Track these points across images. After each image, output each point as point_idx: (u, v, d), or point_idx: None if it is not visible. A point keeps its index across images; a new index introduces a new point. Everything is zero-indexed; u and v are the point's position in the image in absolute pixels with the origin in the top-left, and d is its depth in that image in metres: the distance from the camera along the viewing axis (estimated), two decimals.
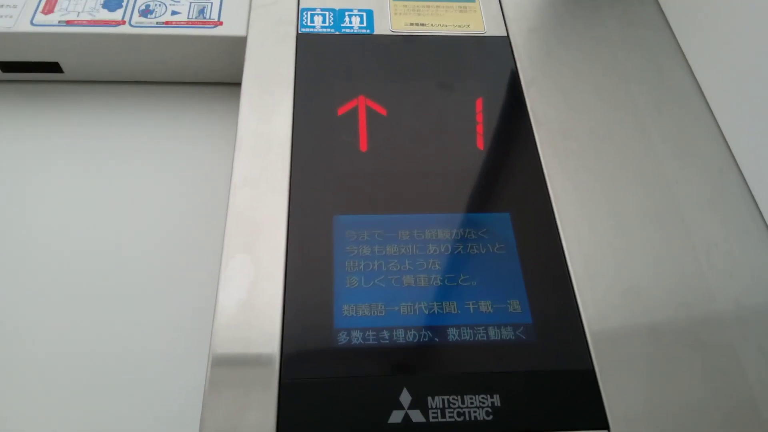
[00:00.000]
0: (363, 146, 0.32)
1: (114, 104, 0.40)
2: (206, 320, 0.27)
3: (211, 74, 0.41)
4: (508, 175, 0.32)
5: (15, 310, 0.33)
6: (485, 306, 0.27)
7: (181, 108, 0.41)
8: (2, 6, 0.39)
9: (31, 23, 0.38)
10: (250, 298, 0.26)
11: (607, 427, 0.24)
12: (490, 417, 0.24)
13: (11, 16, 0.38)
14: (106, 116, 0.40)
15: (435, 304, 0.27)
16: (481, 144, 0.33)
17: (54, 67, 0.40)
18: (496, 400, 0.24)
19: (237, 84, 0.35)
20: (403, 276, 0.27)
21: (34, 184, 0.37)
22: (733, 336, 0.27)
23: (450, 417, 0.24)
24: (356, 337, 0.25)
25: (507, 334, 0.26)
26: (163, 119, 0.40)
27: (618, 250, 0.29)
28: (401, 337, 0.26)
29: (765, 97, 0.31)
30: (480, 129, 0.34)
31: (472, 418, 0.24)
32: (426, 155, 0.32)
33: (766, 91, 0.31)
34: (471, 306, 0.27)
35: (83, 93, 0.41)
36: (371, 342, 0.25)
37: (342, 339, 0.25)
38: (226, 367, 0.25)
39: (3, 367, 0.31)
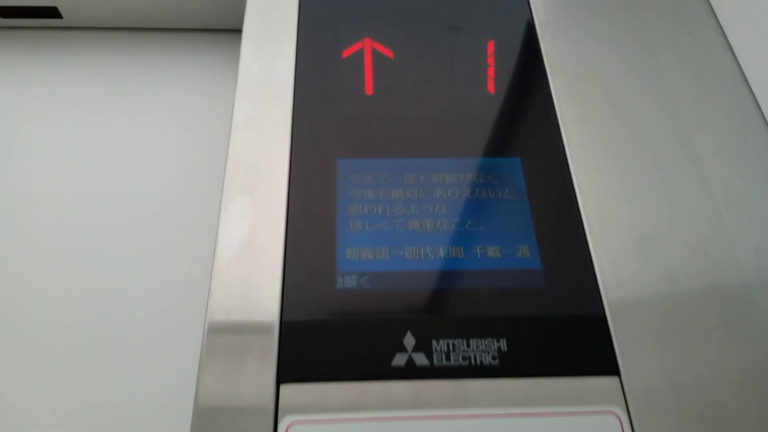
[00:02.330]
0: (368, 89, 0.31)
1: (113, 50, 0.39)
2: (206, 269, 0.26)
3: (213, 19, 0.39)
4: (519, 120, 0.31)
5: (9, 270, 0.32)
6: (493, 251, 0.26)
7: (181, 54, 0.39)
8: None
9: None
10: (250, 241, 0.26)
11: (617, 373, 0.23)
12: (496, 361, 0.23)
13: None
14: (105, 62, 0.39)
15: (441, 248, 0.26)
16: (492, 87, 0.32)
17: (53, 12, 0.39)
18: (503, 344, 0.23)
19: (239, 31, 0.34)
20: (408, 220, 0.27)
21: (31, 130, 0.36)
22: (751, 284, 0.25)
23: (455, 361, 0.23)
24: (359, 281, 0.25)
25: (515, 278, 0.25)
26: (163, 66, 0.39)
27: (633, 196, 0.28)
28: (405, 280, 0.25)
29: None
30: (491, 72, 0.32)
31: (478, 363, 0.23)
32: (434, 99, 0.31)
33: None
34: (478, 251, 0.26)
35: (82, 39, 0.40)
36: (375, 285, 0.25)
37: (345, 282, 0.25)
38: (227, 311, 0.24)
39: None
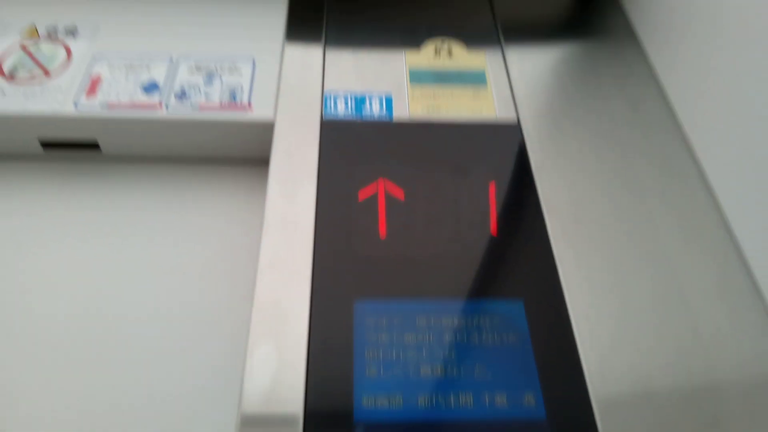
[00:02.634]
0: (382, 233, 0.34)
1: (147, 179, 0.43)
2: (228, 409, 0.28)
3: (241, 153, 0.43)
4: (520, 261, 0.33)
5: (31, 384, 0.34)
6: (500, 399, 0.28)
7: (210, 184, 0.43)
8: (49, 89, 0.42)
9: (75, 106, 0.41)
10: (273, 387, 0.28)
11: None
12: None
13: (57, 99, 0.41)
14: (139, 191, 0.42)
15: (451, 396, 0.28)
16: (494, 229, 0.35)
17: (92, 145, 0.43)
18: None
19: (264, 161, 0.38)
20: (420, 366, 0.29)
21: (68, 254, 0.39)
22: (740, 426, 0.27)
23: None
24: (374, 428, 0.27)
25: (520, 423, 0.27)
26: (193, 195, 0.42)
27: (627, 338, 0.30)
28: (419, 427, 0.27)
29: None
30: (493, 214, 0.36)
31: None
32: (442, 240, 0.34)
33: None
34: (487, 398, 0.28)
35: (118, 168, 0.44)
36: None
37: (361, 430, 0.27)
38: None
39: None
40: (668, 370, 0.29)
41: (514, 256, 0.34)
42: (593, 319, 0.31)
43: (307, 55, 0.44)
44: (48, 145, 0.43)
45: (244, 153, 0.43)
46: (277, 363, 0.28)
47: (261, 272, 0.32)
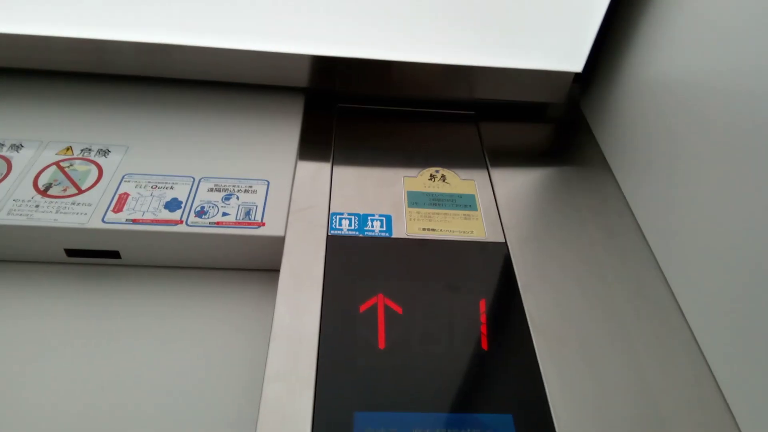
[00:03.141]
0: (381, 344, 0.37)
1: (163, 286, 0.46)
2: None
3: (252, 263, 0.47)
4: (509, 376, 0.36)
5: None
6: None
7: (223, 289, 0.46)
8: (79, 204, 0.46)
9: (102, 221, 0.45)
10: None
11: None
12: None
13: (86, 213, 0.45)
14: (155, 297, 0.45)
15: None
16: (485, 344, 0.38)
17: (113, 254, 0.46)
18: None
19: (274, 270, 0.41)
20: None
21: (87, 356, 0.41)
22: None
23: None
24: None
25: None
26: (206, 300, 0.45)
27: None
28: None
29: (736, 309, 0.36)
30: (484, 329, 0.39)
31: None
32: (437, 355, 0.37)
33: (738, 302, 0.36)
34: None
35: (135, 275, 0.47)
36: None
37: None
38: None
39: None
40: None
41: (504, 371, 0.36)
42: None
43: (317, 176, 0.49)
44: (72, 253, 0.46)
45: (255, 263, 0.47)
46: None
47: (267, 382, 0.34)
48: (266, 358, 0.36)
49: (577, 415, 0.34)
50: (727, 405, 0.35)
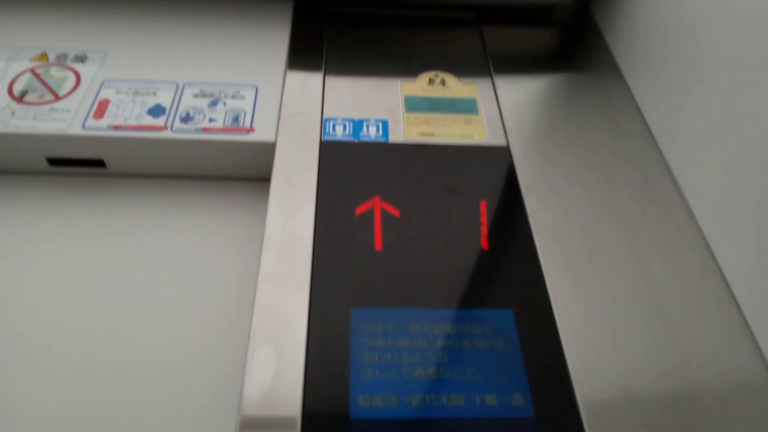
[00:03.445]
0: (378, 245, 0.36)
1: (151, 195, 0.44)
2: (230, 409, 0.29)
3: (242, 172, 0.45)
4: (510, 274, 0.35)
5: (45, 405, 0.34)
6: (491, 399, 0.29)
7: (212, 200, 0.44)
8: (58, 110, 0.44)
9: (83, 126, 0.42)
10: (273, 388, 0.29)
11: None
12: None
13: (65, 120, 0.43)
14: (142, 206, 0.44)
15: (444, 396, 0.29)
16: (485, 244, 0.36)
17: (98, 163, 0.44)
18: None
19: (265, 179, 0.39)
20: (414, 369, 0.30)
21: (70, 267, 0.40)
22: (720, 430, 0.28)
23: None
24: (371, 428, 0.27)
25: (511, 427, 0.28)
26: (195, 210, 0.44)
27: (612, 348, 0.32)
28: (413, 428, 0.28)
29: (746, 203, 0.35)
30: (484, 230, 0.37)
31: None
32: (435, 254, 0.36)
33: (747, 198, 0.35)
34: (477, 399, 0.29)
35: (122, 185, 0.45)
36: None
37: (357, 429, 0.27)
38: None
39: None
40: (650, 376, 0.30)
41: (504, 269, 0.35)
42: (579, 327, 0.32)
43: (308, 83, 0.47)
44: (55, 162, 0.44)
45: (245, 172, 0.45)
46: (276, 366, 0.29)
47: (261, 281, 0.33)
48: (259, 258, 0.34)
49: (578, 310, 0.33)
50: (734, 297, 0.34)
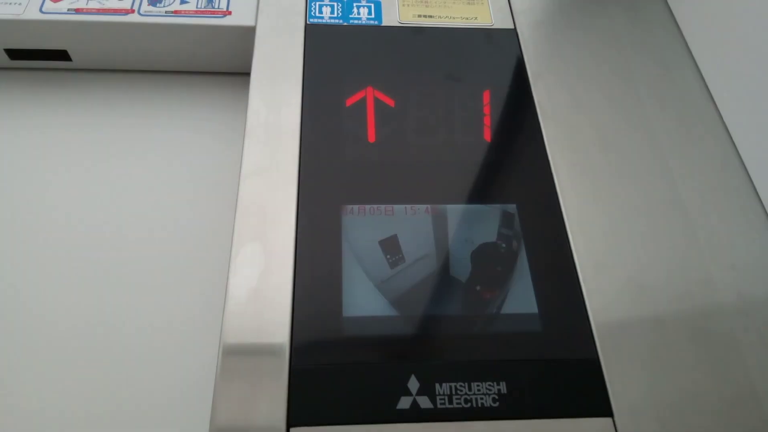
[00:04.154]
0: (371, 137, 0.33)
1: (122, 92, 0.41)
2: (216, 310, 0.28)
3: (220, 64, 0.41)
4: (515, 167, 0.32)
5: (22, 304, 0.33)
6: (490, 296, 0.27)
7: (189, 97, 0.41)
8: None
9: (40, 11, 0.38)
10: (260, 287, 0.27)
11: (611, 414, 0.24)
12: (497, 404, 0.24)
13: (20, 3, 0.38)
14: (114, 104, 0.40)
15: (442, 293, 0.27)
16: (488, 136, 0.33)
17: (62, 55, 0.40)
18: (503, 387, 0.25)
19: (246, 74, 0.36)
20: (413, 265, 0.28)
21: (40, 171, 0.37)
22: (734, 326, 0.27)
23: (457, 403, 0.24)
24: (365, 325, 0.26)
25: (513, 323, 0.26)
26: (171, 108, 0.40)
27: (622, 242, 0.29)
28: (409, 325, 0.26)
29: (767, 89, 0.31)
30: (487, 121, 0.34)
31: (479, 405, 0.24)
32: (433, 146, 0.33)
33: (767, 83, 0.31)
34: (478, 295, 0.27)
35: (91, 81, 0.41)
36: (380, 331, 0.26)
37: (351, 327, 0.26)
38: (237, 355, 0.25)
39: (14, 356, 0.31)
40: (663, 271, 0.28)
41: (509, 163, 0.33)
42: (588, 221, 0.30)
43: None
44: (16, 55, 0.40)
45: (223, 63, 0.41)
46: (264, 264, 0.27)
47: (244, 178, 0.31)
48: (241, 153, 0.31)
49: (588, 204, 0.31)
50: (755, 189, 0.32)
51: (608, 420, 0.24)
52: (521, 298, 0.27)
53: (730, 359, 0.26)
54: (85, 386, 0.30)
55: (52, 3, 0.38)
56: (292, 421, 0.24)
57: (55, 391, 0.30)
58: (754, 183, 0.32)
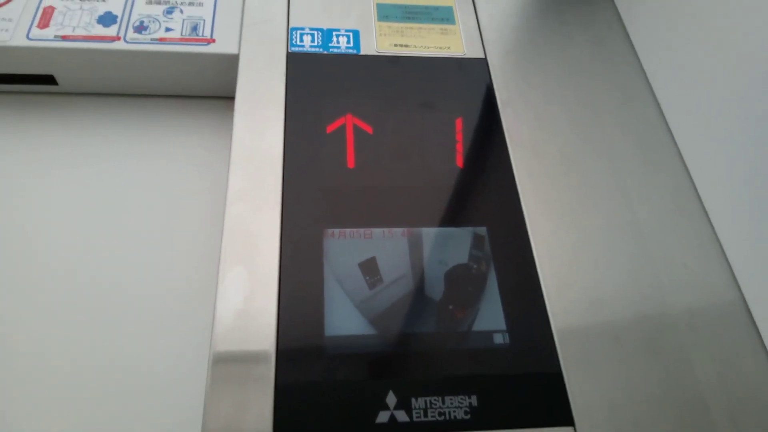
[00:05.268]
0: (350, 163, 0.35)
1: (108, 116, 0.42)
2: (202, 330, 0.29)
3: (204, 88, 0.42)
4: (485, 191, 0.34)
5: (9, 321, 0.34)
6: (463, 315, 0.29)
7: (174, 119, 0.42)
8: None
9: (27, 37, 0.39)
10: (246, 308, 0.28)
11: (572, 423, 0.27)
12: (468, 416, 0.26)
13: (7, 30, 0.39)
14: (99, 128, 0.41)
15: (418, 312, 0.29)
16: (460, 162, 0.36)
17: (49, 80, 0.41)
18: (474, 400, 0.27)
19: (229, 98, 0.37)
20: (390, 287, 0.30)
21: (25, 193, 0.38)
22: (684, 340, 0.29)
23: (432, 416, 0.26)
24: (345, 344, 0.28)
25: (483, 339, 0.28)
26: (156, 130, 0.41)
27: (583, 262, 0.32)
28: (387, 343, 0.28)
29: (719, 118, 0.34)
30: (459, 147, 0.36)
31: (452, 417, 0.26)
32: (409, 172, 0.35)
33: (720, 113, 0.34)
34: (451, 314, 0.29)
35: (77, 104, 0.42)
36: (360, 349, 0.28)
37: (333, 345, 0.28)
38: (225, 373, 0.27)
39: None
40: (620, 287, 0.31)
41: (479, 187, 0.35)
42: (552, 243, 0.32)
43: None
44: (4, 79, 0.41)
45: (207, 88, 0.42)
46: (250, 286, 0.29)
47: (230, 203, 0.32)
48: (227, 178, 0.33)
49: (552, 226, 0.33)
50: (706, 213, 0.34)
51: (570, 429, 0.26)
52: (491, 316, 0.29)
53: (680, 371, 0.29)
54: (78, 394, 0.31)
55: (38, 30, 0.39)
56: None
57: (46, 406, 0.31)
58: (705, 206, 0.35)
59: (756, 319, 0.31)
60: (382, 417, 0.26)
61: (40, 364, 0.32)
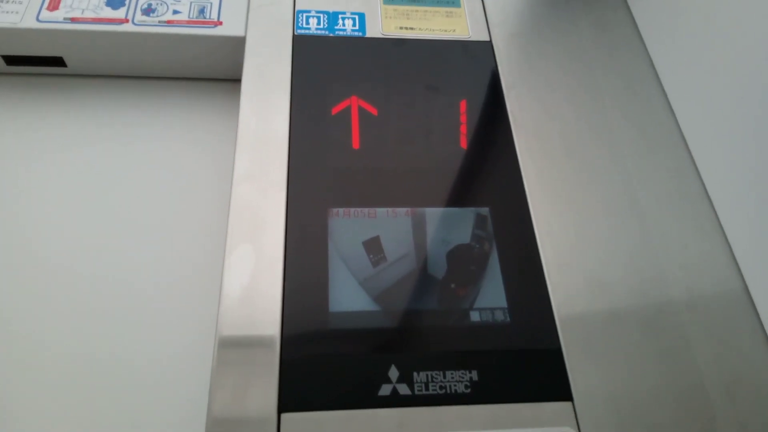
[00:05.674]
0: (355, 144, 0.35)
1: (116, 97, 0.42)
2: (211, 308, 0.30)
3: (211, 71, 0.43)
4: (488, 173, 0.35)
5: (14, 306, 0.34)
6: (465, 293, 0.29)
7: (181, 101, 0.43)
8: (8, 2, 0.40)
9: (37, 19, 0.39)
10: (252, 285, 0.29)
11: (570, 399, 0.27)
12: (469, 390, 0.27)
13: (17, 12, 0.40)
14: (107, 109, 0.42)
15: (420, 289, 0.29)
16: (464, 143, 0.36)
17: (58, 62, 0.42)
18: (474, 375, 0.27)
19: (236, 80, 0.38)
20: (393, 265, 0.30)
21: (34, 175, 0.39)
22: (683, 321, 0.30)
23: (433, 390, 0.27)
24: (349, 320, 0.28)
25: (484, 316, 0.29)
26: (163, 112, 0.42)
27: (584, 242, 0.32)
28: (390, 319, 0.29)
29: (724, 104, 0.34)
30: (463, 129, 0.37)
31: (453, 391, 0.27)
32: (413, 153, 0.35)
33: (724, 99, 0.34)
34: (453, 292, 0.29)
35: (86, 86, 0.43)
36: (363, 324, 0.28)
37: (337, 321, 0.28)
38: (232, 348, 0.28)
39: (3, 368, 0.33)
40: (621, 267, 0.31)
41: (483, 169, 0.35)
42: (554, 224, 0.33)
43: None
44: (12, 61, 0.42)
45: (214, 70, 0.43)
46: (255, 263, 0.30)
47: (236, 184, 0.33)
48: (233, 160, 0.34)
49: (554, 208, 0.33)
50: (707, 194, 0.35)
51: (568, 404, 0.27)
52: (492, 294, 0.30)
53: (678, 350, 0.29)
54: (83, 381, 0.32)
55: (48, 12, 0.40)
56: (282, 407, 0.26)
57: (50, 397, 0.32)
58: (707, 189, 0.35)
59: (755, 301, 0.31)
60: (385, 390, 0.27)
61: (45, 358, 0.33)
